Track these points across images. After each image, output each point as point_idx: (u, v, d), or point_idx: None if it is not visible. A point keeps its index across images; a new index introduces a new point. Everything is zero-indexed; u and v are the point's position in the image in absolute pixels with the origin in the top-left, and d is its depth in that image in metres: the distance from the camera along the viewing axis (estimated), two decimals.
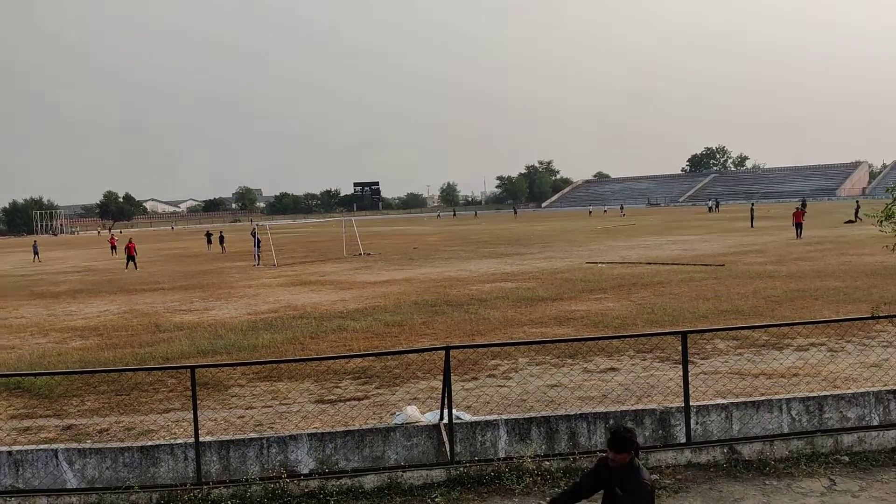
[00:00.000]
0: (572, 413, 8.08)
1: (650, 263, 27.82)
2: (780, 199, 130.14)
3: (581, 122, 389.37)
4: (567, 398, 9.89)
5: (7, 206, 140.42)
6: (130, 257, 37.97)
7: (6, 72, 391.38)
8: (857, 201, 61.02)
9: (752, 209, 58.20)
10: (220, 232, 57.33)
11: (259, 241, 39.22)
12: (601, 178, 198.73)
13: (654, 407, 8.17)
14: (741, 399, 8.39)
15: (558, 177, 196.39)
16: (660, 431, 7.96)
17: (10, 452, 7.53)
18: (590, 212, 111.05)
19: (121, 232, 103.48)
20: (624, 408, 8.32)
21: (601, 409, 8.40)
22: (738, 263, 26.48)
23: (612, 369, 11.49)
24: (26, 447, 7.77)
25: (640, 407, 8.30)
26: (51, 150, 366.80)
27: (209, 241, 55.07)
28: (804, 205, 61.34)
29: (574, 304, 18.24)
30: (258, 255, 38.17)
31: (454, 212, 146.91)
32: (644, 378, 10.75)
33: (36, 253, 51.23)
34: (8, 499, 7.33)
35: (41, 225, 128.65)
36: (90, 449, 7.62)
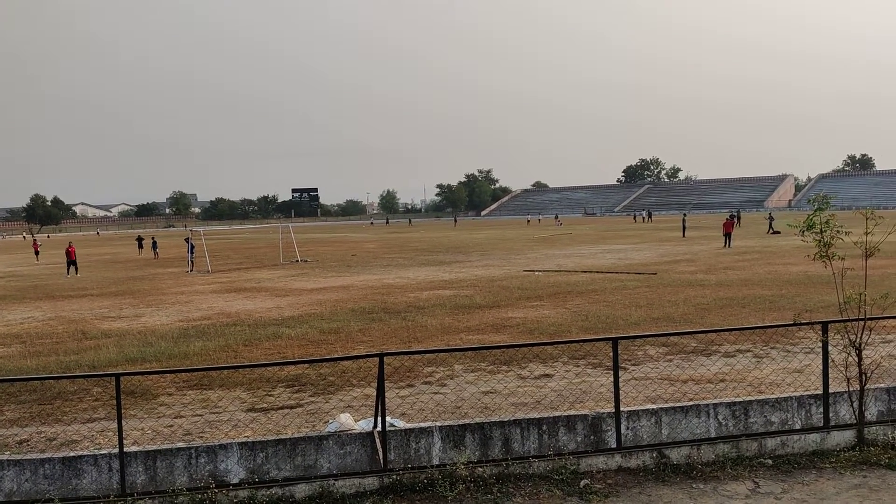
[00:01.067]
0: (506, 419, 8.11)
1: (585, 272, 28.26)
2: (711, 209, 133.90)
3: (521, 129, 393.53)
4: (501, 404, 9.94)
5: None
6: (71, 262, 36.42)
7: None
8: (769, 213, 63.16)
9: (683, 219, 59.67)
10: (153, 237, 56.21)
11: (193, 247, 38.42)
12: (539, 187, 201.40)
13: (586, 412, 8.27)
14: (670, 404, 8.56)
15: (497, 185, 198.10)
16: (591, 437, 8.05)
17: None
18: (528, 220, 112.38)
19: (48, 237, 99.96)
20: (556, 413, 8.39)
21: (535, 415, 8.46)
22: (670, 272, 27.11)
23: (546, 375, 11.59)
24: None
25: (572, 413, 8.39)
26: None
27: (140, 247, 54.10)
28: (738, 216, 63.20)
29: (511, 312, 18.38)
30: (192, 262, 37.39)
31: (387, 219, 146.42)
32: (577, 384, 10.89)
33: None
34: None
35: None
36: (8, 461, 7.30)
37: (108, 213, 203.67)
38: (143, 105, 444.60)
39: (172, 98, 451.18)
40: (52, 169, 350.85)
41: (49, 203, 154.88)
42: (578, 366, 12.17)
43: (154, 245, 50.81)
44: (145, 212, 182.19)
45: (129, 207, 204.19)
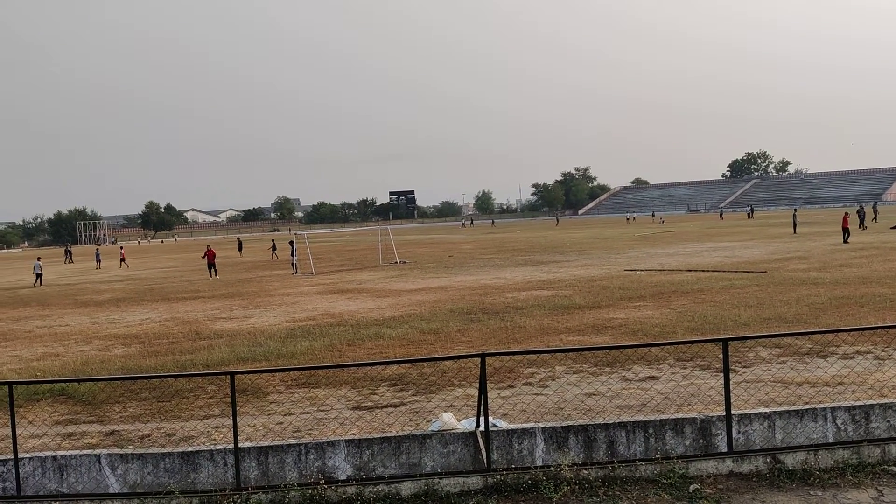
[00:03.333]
0: (611, 422, 7.98)
1: (690, 270, 27.46)
2: (824, 204, 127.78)
3: (619, 126, 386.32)
4: (605, 407, 9.78)
5: (52, 216, 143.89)
6: (211, 265, 38.25)
7: (51, 82, 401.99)
8: (872, 206, 59.92)
9: (794, 215, 57.14)
10: (273, 240, 60.88)
11: (295, 250, 39.65)
12: (639, 184, 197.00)
13: (695, 416, 8.04)
14: (784, 408, 8.21)
15: (595, 183, 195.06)
16: (700, 440, 7.82)
17: (54, 457, 7.68)
18: (627, 219, 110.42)
19: (152, 241, 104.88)
20: (664, 416, 8.19)
21: (640, 417, 8.29)
22: (781, 270, 26.02)
23: (652, 378, 11.33)
24: (70, 452, 7.90)
25: (680, 416, 8.16)
26: (96, 161, 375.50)
27: (240, 249, 58.63)
28: (875, 211, 60.60)
29: (612, 312, 18.07)
30: (296, 264, 38.57)
31: (471, 220, 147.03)
32: (684, 386, 10.59)
33: (98, 260, 53.84)
34: (52, 503, 7.47)
35: (85, 235, 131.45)
36: (132, 454, 7.73)
37: (217, 219, 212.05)
38: (250, 115, 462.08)
39: (277, 108, 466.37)
40: (165, 177, 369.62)
41: (162, 210, 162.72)
42: (686, 368, 11.84)
43: (273, 247, 54.62)
44: (251, 216, 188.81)
45: (237, 213, 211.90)
